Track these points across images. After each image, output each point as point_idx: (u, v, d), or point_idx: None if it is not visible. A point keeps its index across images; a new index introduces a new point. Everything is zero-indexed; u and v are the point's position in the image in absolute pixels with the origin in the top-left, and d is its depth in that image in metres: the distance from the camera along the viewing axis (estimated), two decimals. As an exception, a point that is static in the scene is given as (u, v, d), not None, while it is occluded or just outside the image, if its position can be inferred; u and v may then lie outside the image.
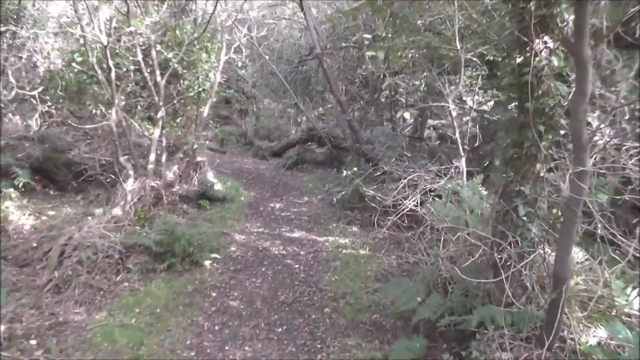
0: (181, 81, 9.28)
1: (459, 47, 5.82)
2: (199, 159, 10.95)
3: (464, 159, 6.03)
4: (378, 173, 8.34)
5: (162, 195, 8.44)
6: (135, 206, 7.46)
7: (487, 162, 8.87)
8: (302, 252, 7.44)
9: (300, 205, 10.19)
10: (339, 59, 14.65)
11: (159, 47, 7.71)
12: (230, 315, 5.55)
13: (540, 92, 4.07)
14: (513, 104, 4.52)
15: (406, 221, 6.64)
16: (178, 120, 9.69)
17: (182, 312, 5.57)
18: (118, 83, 8.58)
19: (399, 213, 6.50)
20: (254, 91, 18.28)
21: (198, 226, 7.67)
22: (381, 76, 14.06)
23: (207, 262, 6.88)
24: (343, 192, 9.71)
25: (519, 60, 4.15)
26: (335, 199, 9.87)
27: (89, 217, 7.93)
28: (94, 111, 8.60)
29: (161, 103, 7.36)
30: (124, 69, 8.64)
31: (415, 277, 5.79)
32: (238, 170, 13.68)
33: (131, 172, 7.33)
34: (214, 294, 6.04)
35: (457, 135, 5.99)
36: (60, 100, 9.34)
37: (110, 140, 8.55)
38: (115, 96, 6.90)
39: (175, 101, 8.15)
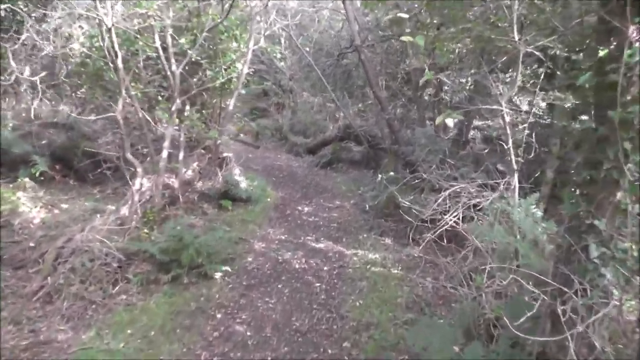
0: (206, 71, 8.56)
1: (516, 39, 4.79)
2: (225, 154, 10.26)
3: (516, 175, 5.01)
4: (416, 180, 7.39)
5: (179, 194, 7.75)
6: (144, 207, 6.78)
7: (538, 173, 7.77)
8: (325, 267, 6.57)
9: (331, 210, 9.33)
10: (381, 53, 13.66)
11: (171, 32, 6.95)
12: (233, 344, 4.75)
13: (629, 97, 3.03)
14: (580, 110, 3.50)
15: (445, 239, 5.74)
16: (200, 113, 8.99)
17: (179, 336, 4.80)
18: (136, 70, 7.96)
19: (437, 230, 5.59)
20: (291, 84, 17.48)
21: (214, 231, 6.94)
22: (425, 71, 13.04)
23: (218, 275, 6.11)
24: (377, 199, 8.79)
25: (602, 53, 3.13)
26: (367, 206, 8.96)
27: (98, 215, 7.34)
28: (110, 99, 7.99)
29: (176, 94, 6.62)
30: (144, 56, 8.00)
31: (452, 312, 4.84)
32: (269, 167, 12.93)
33: (139, 170, 6.63)
34: (219, 315, 5.25)
35: (510, 145, 4.98)
36: (85, 87, 8.83)
37: (127, 132, 7.93)
38: (122, 84, 6.19)
39: (193, 92, 7.40)
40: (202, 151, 8.80)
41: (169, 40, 6.68)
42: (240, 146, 16.22)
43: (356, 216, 8.92)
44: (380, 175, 8.97)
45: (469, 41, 6.94)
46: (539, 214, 5.09)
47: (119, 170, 8.78)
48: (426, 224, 5.95)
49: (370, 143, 11.93)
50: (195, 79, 8.66)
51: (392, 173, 8.75)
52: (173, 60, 6.63)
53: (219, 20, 7.20)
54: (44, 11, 9.35)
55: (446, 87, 15.77)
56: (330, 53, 16.21)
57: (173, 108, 6.72)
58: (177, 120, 7.82)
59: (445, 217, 5.81)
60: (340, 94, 15.83)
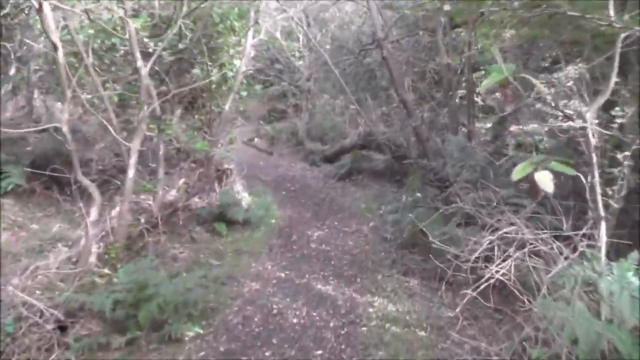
0: (200, 69, 7.19)
1: (612, 17, 3.22)
2: (225, 166, 8.89)
3: (603, 224, 3.47)
4: (449, 207, 5.89)
5: (158, 218, 6.39)
6: (104, 240, 5.42)
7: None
8: (332, 324, 5.08)
9: (346, 236, 7.83)
10: (408, 50, 12.12)
11: (136, 25, 5.52)
12: None
13: None
14: None
15: (491, 294, 4.31)
16: (194, 119, 7.63)
17: None
18: (113, 68, 6.65)
19: (480, 284, 4.18)
20: (309, 84, 16.02)
21: (192, 272, 5.56)
22: (459, 70, 11.46)
23: (189, 335, 4.69)
24: (400, 224, 7.28)
25: None
26: (389, 234, 7.45)
27: (59, 245, 6.04)
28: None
29: (144, 98, 5.21)
30: (121, 51, 6.68)
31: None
32: (280, 178, 11.51)
33: (96, 196, 5.26)
34: (178, 405, 3.84)
35: (596, 177, 3.42)
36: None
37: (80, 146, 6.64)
38: (66, 85, 4.81)
39: (173, 94, 6.01)
40: (193, 165, 7.42)
41: (132, 30, 5.28)
42: (252, 153, 14.89)
43: (375, 245, 7.40)
44: (405, 196, 7.45)
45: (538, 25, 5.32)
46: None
47: (109, 182, 7.53)
48: (465, 267, 4.59)
49: (394, 153, 10.38)
50: (187, 78, 7.34)
51: (418, 194, 7.21)
52: (138, 55, 5.22)
53: (201, 3, 5.78)
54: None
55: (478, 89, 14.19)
56: (351, 50, 14.74)
57: (140, 116, 5.31)
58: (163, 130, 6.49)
59: (492, 267, 4.38)
60: (361, 96, 14.34)
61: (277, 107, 21.66)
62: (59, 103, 9.85)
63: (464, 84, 12.75)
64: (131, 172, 5.28)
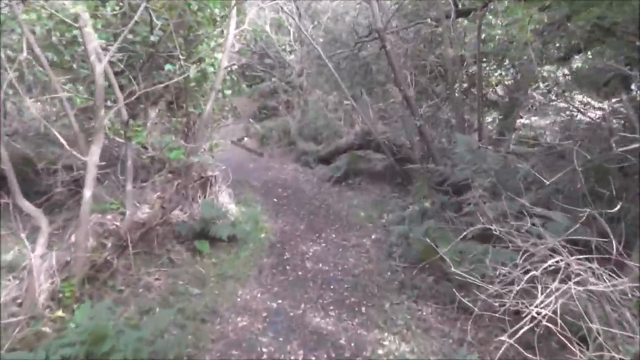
0: (172, 64, 6.24)
1: None
2: (209, 173, 7.97)
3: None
4: (475, 229, 5.00)
5: (127, 240, 5.46)
6: (61, 273, 4.47)
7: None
8: (334, 374, 4.22)
9: (345, 251, 6.94)
10: (408, 41, 11.22)
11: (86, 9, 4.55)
12: None
13: None
14: None
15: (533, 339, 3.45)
16: (172, 121, 6.68)
17: None
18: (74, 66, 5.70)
19: (517, 331, 3.32)
20: (301, 80, 15.05)
21: (166, 309, 4.65)
22: (466, 61, 10.60)
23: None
24: (407, 239, 6.40)
25: None
26: (394, 249, 6.58)
27: (10, 278, 5.11)
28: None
29: (99, 101, 4.23)
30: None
31: None
32: (271, 183, 10.58)
33: (43, 224, 4.32)
34: None
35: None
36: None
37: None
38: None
39: (133, 98, 5.05)
40: (170, 175, 6.48)
41: (83, 16, 4.32)
42: (241, 154, 13.96)
43: (379, 263, 6.51)
44: (412, 206, 6.57)
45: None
46: None
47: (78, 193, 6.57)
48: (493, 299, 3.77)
49: (395, 155, 9.48)
50: (161, 77, 6.40)
51: (426, 204, 6.32)
52: (91, 48, 4.24)
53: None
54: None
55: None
56: (345, 44, 13.82)
57: (98, 122, 4.33)
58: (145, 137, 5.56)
59: (532, 304, 3.53)
60: (357, 92, 13.43)
61: (268, 104, 20.68)
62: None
63: (466, 77, 11.93)
64: (87, 193, 4.34)
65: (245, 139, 16.65)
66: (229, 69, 6.85)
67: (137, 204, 5.82)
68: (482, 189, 6.25)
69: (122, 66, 5.77)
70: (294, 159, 12.90)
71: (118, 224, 5.35)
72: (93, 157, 4.29)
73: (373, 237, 7.46)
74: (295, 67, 15.52)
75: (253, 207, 8.53)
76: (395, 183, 9.88)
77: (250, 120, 17.11)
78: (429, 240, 5.51)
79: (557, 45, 9.40)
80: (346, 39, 13.51)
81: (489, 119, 14.18)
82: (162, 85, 5.61)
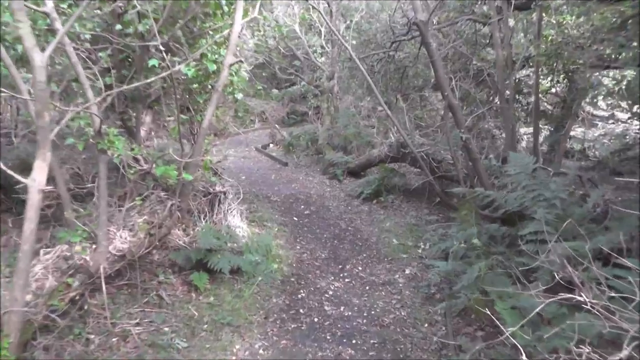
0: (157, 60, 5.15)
1: None
2: (217, 189, 6.91)
3: None
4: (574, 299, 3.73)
5: (101, 279, 4.38)
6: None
7: None
8: None
9: (373, 291, 5.71)
10: (448, 42, 9.93)
11: None
12: None
13: None
14: None
15: None
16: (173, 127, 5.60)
17: None
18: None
19: None
20: (331, 84, 13.85)
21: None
22: (518, 62, 9.27)
23: None
24: (448, 275, 5.14)
25: None
26: (436, 296, 5.31)
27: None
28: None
29: (40, 106, 3.13)
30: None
31: None
32: (293, 198, 9.43)
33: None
34: None
35: None
36: None
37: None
38: None
39: (98, 100, 3.97)
40: (163, 194, 5.39)
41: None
42: (264, 162, 12.89)
43: (415, 309, 5.26)
44: (455, 242, 5.29)
45: None
46: None
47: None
48: None
49: (435, 172, 8.19)
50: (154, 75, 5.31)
51: (475, 240, 5.03)
52: (30, 43, 3.12)
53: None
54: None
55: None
56: (380, 45, 12.60)
57: (42, 134, 3.21)
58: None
59: None
60: (392, 98, 12.19)
61: (298, 109, 19.66)
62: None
63: (513, 83, 10.57)
64: (28, 228, 3.26)
65: (271, 145, 15.62)
66: (240, 67, 5.72)
67: (113, 231, 4.74)
68: (544, 221, 4.95)
69: (102, 60, 4.71)
70: (321, 170, 11.74)
71: (87, 257, 4.28)
72: (36, 178, 3.22)
73: (407, 272, 6.21)
74: (326, 70, 14.36)
75: (268, 229, 7.40)
76: (433, 203, 8.61)
77: (276, 126, 16.05)
78: (479, 292, 4.29)
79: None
80: (381, 39, 12.28)
81: (527, 129, 12.75)
82: (138, 84, 4.50)
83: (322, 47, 15.87)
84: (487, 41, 10.92)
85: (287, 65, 19.07)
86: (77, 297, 4.32)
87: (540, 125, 13.10)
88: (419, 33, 9.58)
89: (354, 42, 14.09)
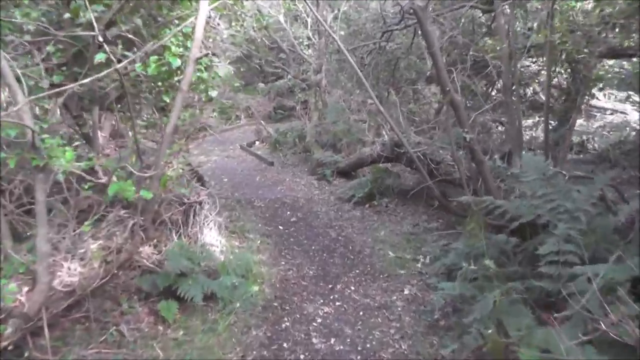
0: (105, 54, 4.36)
1: None
2: (193, 198, 6.15)
3: None
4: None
5: (43, 320, 3.62)
6: None
7: None
8: None
9: (368, 317, 4.99)
10: (445, 32, 9.20)
11: None
12: None
13: None
14: None
15: None
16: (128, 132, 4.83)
17: None
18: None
19: None
20: (319, 77, 13.04)
21: None
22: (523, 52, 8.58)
23: None
24: (455, 307, 4.43)
25: None
26: (441, 324, 4.60)
27: None
28: None
29: None
30: None
31: None
32: (279, 203, 8.68)
33: None
34: None
35: None
36: None
37: None
38: None
39: (26, 102, 3.20)
40: (123, 212, 4.62)
41: None
42: (249, 162, 12.12)
43: (417, 341, 4.54)
44: (464, 266, 4.56)
45: None
46: None
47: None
48: None
49: (433, 174, 7.47)
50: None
51: (487, 261, 4.31)
52: None
53: None
54: None
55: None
56: (370, 36, 11.84)
57: None
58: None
59: None
60: (383, 92, 11.46)
61: (286, 103, 18.82)
62: None
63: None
64: None
65: (257, 143, 14.82)
66: (212, 62, 4.95)
67: (64, 263, 3.97)
68: (564, 238, 4.26)
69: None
70: (309, 170, 10.99)
71: (22, 298, 3.51)
72: None
73: (406, 292, 5.49)
74: (313, 62, 13.57)
75: (250, 241, 6.66)
76: (432, 207, 7.90)
77: (262, 122, 15.24)
78: (495, 326, 3.60)
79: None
80: (371, 29, 11.52)
81: (528, 122, 12.09)
82: (82, 83, 3.72)
83: (308, 38, 15.08)
84: (485, 30, 10.22)
85: (273, 58, 18.26)
86: (11, 347, 3.55)
87: (538, 118, 12.48)
88: (412, 21, 8.83)
89: (342, 33, 13.31)
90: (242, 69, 16.63)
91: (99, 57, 3.56)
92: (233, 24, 6.93)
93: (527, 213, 4.81)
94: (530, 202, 4.95)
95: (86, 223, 3.98)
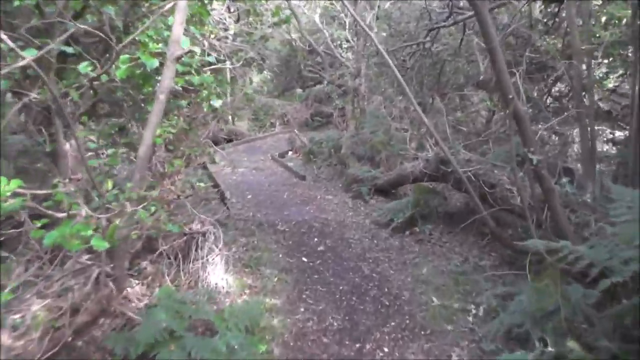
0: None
1: None
2: (195, 227, 5.19)
3: None
4: None
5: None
6: None
7: None
8: None
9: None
10: (507, 25, 7.95)
11: None
12: None
13: None
14: None
15: None
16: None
17: None
18: None
19: None
20: (357, 83, 11.89)
21: None
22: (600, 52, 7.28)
23: None
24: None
25: None
26: None
27: None
28: None
29: None
30: None
31: None
32: (305, 227, 7.59)
33: None
34: None
35: None
36: None
37: None
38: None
39: None
40: (86, 258, 3.62)
41: None
42: (280, 175, 11.10)
43: None
44: (537, 347, 3.33)
45: None
46: None
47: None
48: None
49: (486, 198, 6.20)
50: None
51: (571, 343, 3.07)
52: None
53: None
54: None
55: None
56: (414, 36, 10.67)
57: None
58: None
59: None
60: (427, 99, 10.24)
61: (324, 110, 17.78)
62: None
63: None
64: None
65: (290, 153, 13.82)
66: (209, 62, 3.92)
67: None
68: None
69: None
70: (343, 187, 9.86)
71: None
72: None
73: (455, 358, 4.28)
74: (350, 66, 12.44)
75: (265, 279, 5.58)
76: (483, 237, 6.63)
77: (296, 131, 14.22)
78: None
79: None
80: (415, 28, 10.33)
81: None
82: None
83: (347, 40, 13.98)
84: (543, 28, 8.92)
85: (311, 61, 17.29)
86: None
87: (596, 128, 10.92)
88: (462, 17, 7.60)
89: (384, 34, 12.17)
90: (279, 74, 15.70)
91: (29, 53, 2.56)
92: (251, 18, 5.89)
93: (620, 270, 3.53)
94: (623, 254, 3.67)
95: (6, 291, 2.96)
